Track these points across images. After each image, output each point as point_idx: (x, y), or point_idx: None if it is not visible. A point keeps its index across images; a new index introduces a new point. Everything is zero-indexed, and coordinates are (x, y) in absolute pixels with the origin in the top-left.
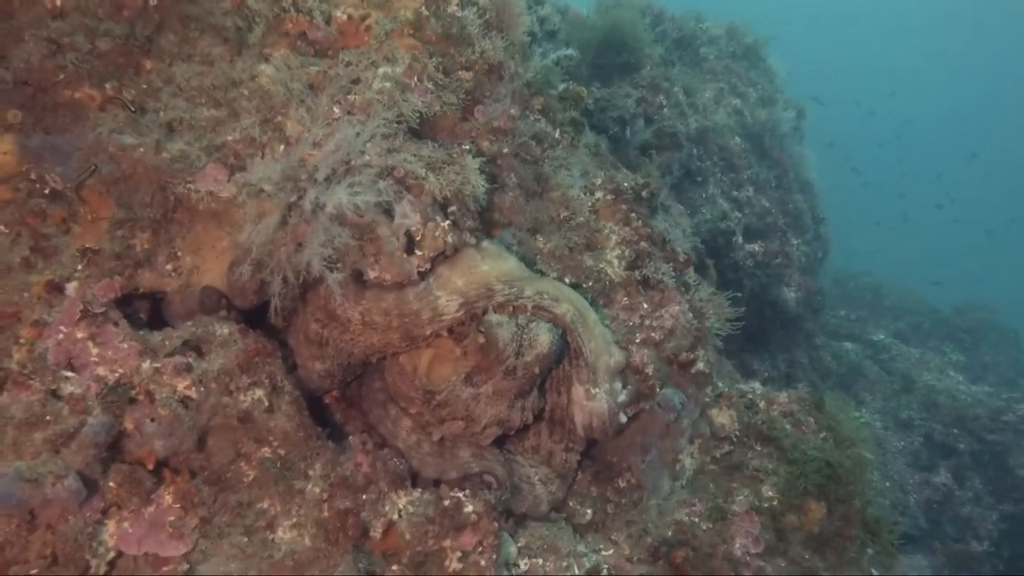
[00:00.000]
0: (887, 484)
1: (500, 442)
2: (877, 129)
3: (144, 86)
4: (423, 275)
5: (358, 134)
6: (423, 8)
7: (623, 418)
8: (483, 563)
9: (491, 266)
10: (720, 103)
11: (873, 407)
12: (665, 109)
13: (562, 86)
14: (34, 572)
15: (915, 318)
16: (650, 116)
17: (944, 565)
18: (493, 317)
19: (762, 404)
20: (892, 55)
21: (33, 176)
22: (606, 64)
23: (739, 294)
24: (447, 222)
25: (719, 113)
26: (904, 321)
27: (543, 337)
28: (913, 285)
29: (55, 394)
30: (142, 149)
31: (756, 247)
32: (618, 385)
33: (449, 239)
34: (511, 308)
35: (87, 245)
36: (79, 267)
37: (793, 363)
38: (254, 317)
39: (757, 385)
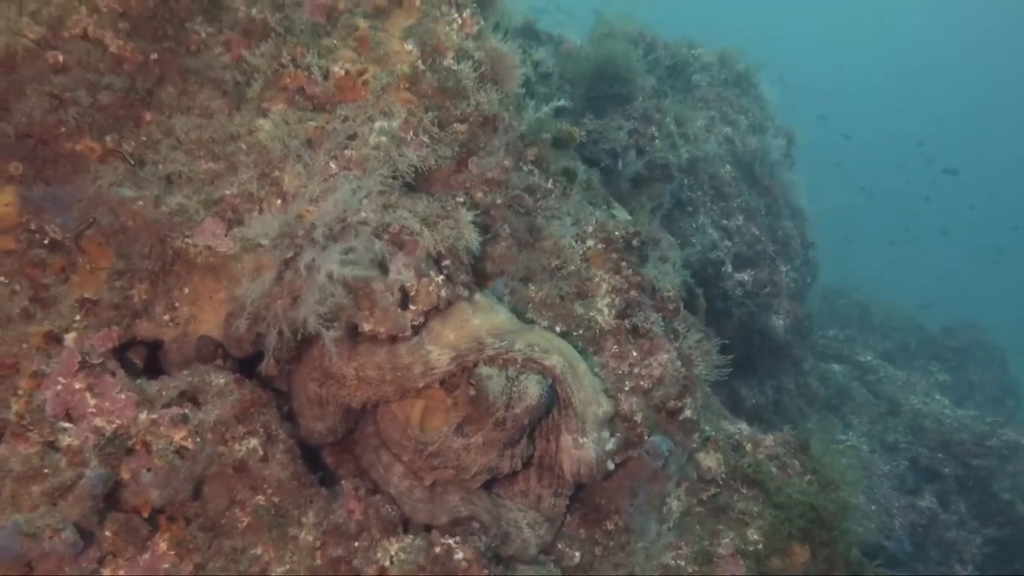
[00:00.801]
0: (873, 507)
1: (489, 485)
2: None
3: (144, 138)
4: (416, 329)
5: (354, 191)
6: (419, 62)
7: (611, 465)
8: None
9: (482, 320)
10: (711, 132)
11: (860, 430)
12: (657, 140)
13: (554, 127)
14: None
15: (903, 337)
16: (642, 147)
17: None
18: (483, 370)
19: (748, 446)
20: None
21: (33, 227)
22: (599, 95)
23: (728, 321)
24: (441, 277)
25: (710, 142)
26: (892, 340)
27: (532, 390)
28: (903, 302)
29: (53, 446)
30: (141, 202)
31: (745, 276)
32: (606, 434)
33: (443, 293)
34: (501, 361)
35: (86, 295)
36: (77, 317)
37: (781, 389)
38: (249, 364)
39: (744, 426)
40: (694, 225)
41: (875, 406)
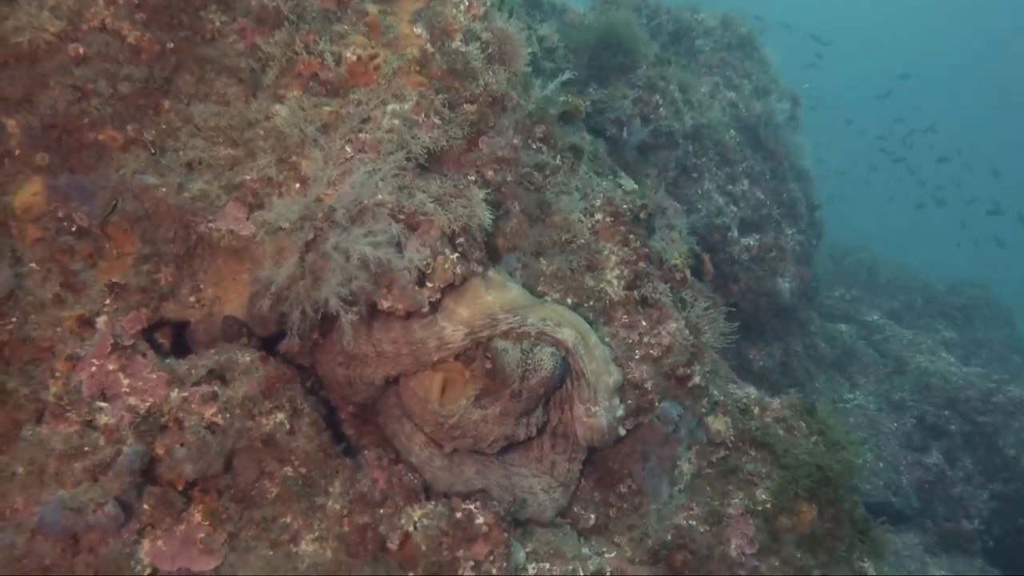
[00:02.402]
0: (880, 465)
1: (505, 452)
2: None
3: (164, 126)
4: (434, 306)
5: (370, 174)
6: (428, 45)
7: (622, 431)
8: (495, 571)
9: (496, 296)
10: (715, 98)
11: (867, 389)
12: (661, 108)
13: (560, 99)
14: None
15: (909, 296)
16: (646, 116)
17: (936, 543)
18: (499, 343)
19: (756, 410)
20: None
21: (61, 215)
22: (603, 65)
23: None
24: (455, 254)
25: (714, 108)
26: (898, 299)
27: (547, 362)
28: (911, 261)
29: (91, 425)
30: (164, 189)
31: (751, 240)
32: (616, 401)
33: (458, 270)
34: (515, 335)
35: (114, 279)
36: (107, 301)
37: (788, 351)
38: (272, 342)
39: (751, 390)
40: (699, 191)
41: (882, 365)
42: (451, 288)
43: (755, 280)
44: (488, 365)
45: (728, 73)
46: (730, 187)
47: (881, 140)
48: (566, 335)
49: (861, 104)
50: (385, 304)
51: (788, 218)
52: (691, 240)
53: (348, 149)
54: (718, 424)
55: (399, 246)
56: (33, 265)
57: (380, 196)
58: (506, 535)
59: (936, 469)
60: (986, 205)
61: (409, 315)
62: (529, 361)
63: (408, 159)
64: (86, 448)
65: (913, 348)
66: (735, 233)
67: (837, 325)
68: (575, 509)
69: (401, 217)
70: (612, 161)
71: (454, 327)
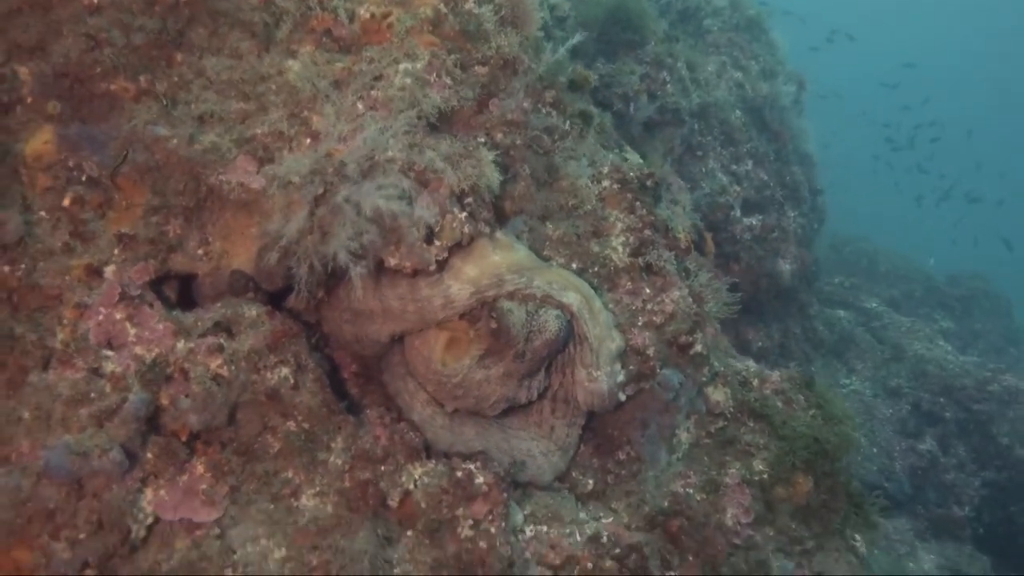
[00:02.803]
0: (875, 450)
1: (505, 415)
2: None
3: (176, 79)
4: (440, 264)
5: (382, 130)
6: (442, 6)
7: (622, 396)
8: (493, 530)
9: (502, 256)
10: (722, 77)
11: (864, 375)
12: (668, 85)
13: (570, 68)
14: (82, 536)
15: (908, 285)
16: (653, 92)
17: (927, 529)
18: (505, 304)
19: (755, 382)
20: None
21: (71, 164)
22: (612, 40)
23: (736, 264)
24: (464, 213)
25: (720, 88)
26: (897, 288)
27: (552, 324)
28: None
29: (97, 372)
30: (175, 141)
31: (754, 221)
32: (618, 367)
33: (466, 229)
34: (520, 296)
35: (123, 230)
36: (116, 251)
37: (787, 333)
38: (279, 298)
39: (751, 363)
40: (704, 170)
41: (879, 351)
42: (458, 247)
43: (756, 260)
44: (493, 325)
45: (735, 54)
46: (734, 167)
47: (886, 128)
48: (571, 299)
49: (868, 94)
50: (392, 261)
51: (791, 201)
52: (695, 216)
53: (360, 106)
54: (717, 395)
55: (409, 201)
56: (43, 213)
57: (391, 152)
58: (505, 495)
59: (929, 455)
60: (987, 200)
61: (416, 273)
62: (534, 323)
63: (419, 118)
64: (92, 395)
65: (911, 335)
66: (738, 212)
67: (836, 311)
68: (574, 474)
69: (411, 174)
70: (618, 136)
71: (460, 286)
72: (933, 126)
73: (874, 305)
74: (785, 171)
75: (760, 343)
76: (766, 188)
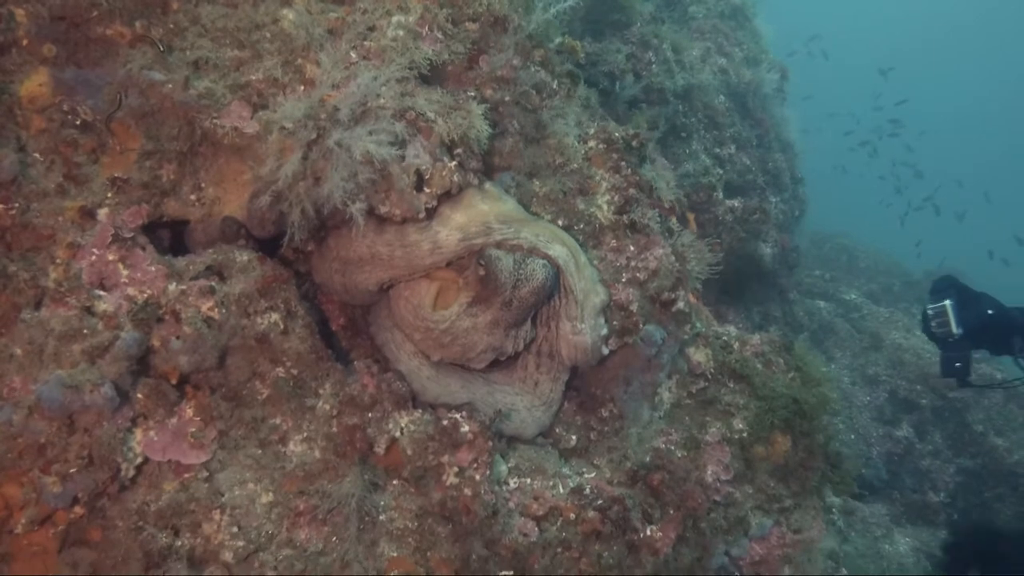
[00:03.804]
0: (852, 437)
1: (491, 370)
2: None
3: (171, 25)
4: (429, 212)
5: (375, 78)
6: None
7: (605, 350)
8: (477, 477)
9: (491, 206)
10: (706, 62)
11: (842, 363)
12: (653, 66)
13: (558, 39)
14: (72, 471)
15: (887, 279)
16: (639, 72)
17: (902, 514)
18: (493, 251)
19: (736, 345)
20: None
21: (66, 108)
22: (598, 20)
23: (717, 244)
24: (453, 163)
25: (705, 72)
26: (877, 282)
27: (539, 272)
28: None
29: (90, 311)
30: (170, 85)
31: (735, 203)
32: (602, 321)
33: (455, 178)
34: (508, 247)
35: (116, 174)
36: (109, 194)
37: (767, 316)
38: (270, 246)
39: (732, 328)
40: (687, 151)
41: (858, 340)
42: (447, 197)
43: (737, 241)
44: (481, 272)
45: (720, 40)
46: (717, 150)
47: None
48: (557, 252)
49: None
50: (383, 209)
51: (772, 187)
52: (678, 192)
53: (353, 55)
54: (699, 355)
55: (401, 146)
56: (37, 155)
57: (383, 100)
58: (490, 443)
59: (906, 442)
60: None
61: (405, 221)
62: (521, 271)
63: (411, 68)
64: (85, 331)
65: (889, 325)
66: (720, 194)
67: (816, 302)
68: (557, 431)
69: (403, 121)
70: (604, 113)
71: (448, 231)
72: (894, 123)
73: (853, 297)
74: (767, 157)
75: (740, 324)
76: (748, 173)
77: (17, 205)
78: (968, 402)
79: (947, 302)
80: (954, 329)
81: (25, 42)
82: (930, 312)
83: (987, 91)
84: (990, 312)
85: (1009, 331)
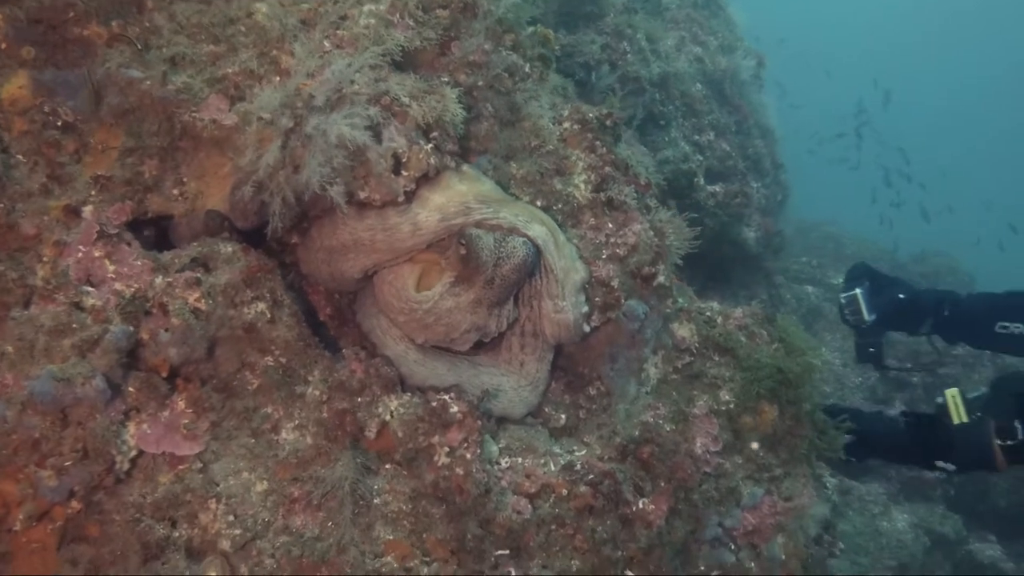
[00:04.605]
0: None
1: (476, 352)
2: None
3: (147, 24)
4: (408, 196)
5: (349, 65)
6: None
7: (587, 328)
8: (468, 456)
9: (469, 187)
10: (681, 50)
11: (832, 345)
12: (629, 55)
13: (530, 29)
14: (68, 464)
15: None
16: (614, 62)
17: (899, 492)
18: (473, 231)
19: (719, 319)
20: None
21: (47, 109)
22: (571, 12)
23: (700, 229)
24: (430, 145)
25: (680, 60)
26: None
27: (520, 249)
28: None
29: (78, 306)
30: (149, 82)
31: (717, 188)
32: (582, 298)
33: (432, 161)
34: (488, 227)
35: (99, 173)
36: (93, 192)
37: (754, 299)
38: (253, 238)
39: (714, 304)
40: (667, 139)
41: None
42: (425, 180)
43: (721, 226)
44: (462, 251)
45: (694, 29)
46: (696, 137)
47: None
48: (537, 231)
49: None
50: (363, 195)
51: (753, 172)
52: (658, 177)
53: (327, 44)
54: (683, 331)
55: (377, 130)
56: (20, 157)
57: (357, 86)
58: (479, 423)
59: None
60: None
61: (385, 204)
62: (502, 249)
63: (383, 55)
64: (74, 325)
65: None
66: (701, 180)
67: (804, 287)
68: (546, 410)
69: (377, 106)
70: (580, 103)
71: (428, 212)
72: (862, 113)
73: (840, 281)
74: (747, 143)
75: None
76: (728, 159)
77: (2, 206)
78: (958, 378)
79: (857, 290)
80: (866, 316)
81: (3, 45)
82: (842, 301)
83: (977, 79)
84: (901, 296)
85: (922, 313)
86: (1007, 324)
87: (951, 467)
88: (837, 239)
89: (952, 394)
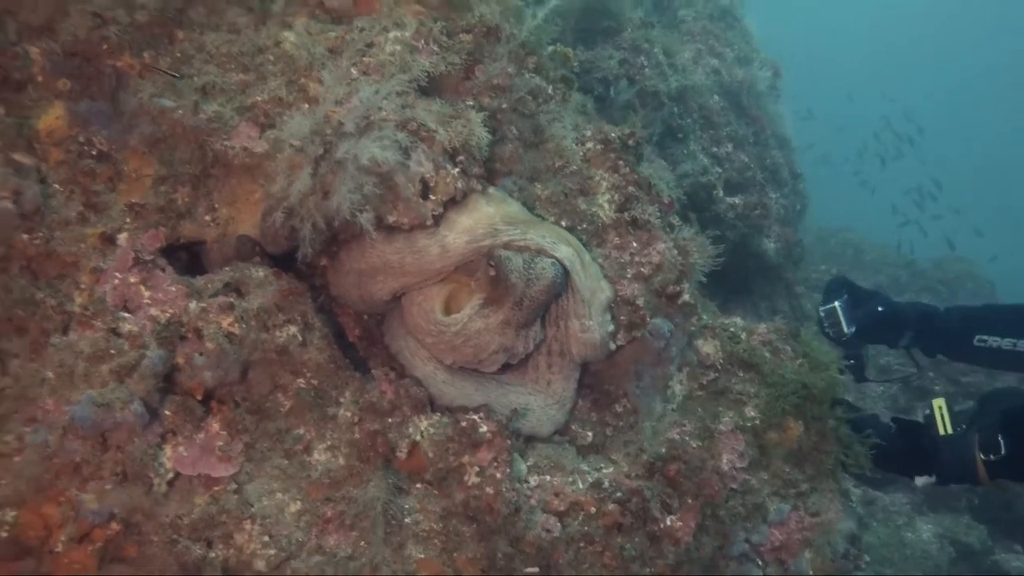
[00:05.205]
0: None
1: (503, 372)
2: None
3: (178, 54)
4: (436, 219)
5: (376, 91)
6: None
7: (613, 345)
8: (498, 475)
9: (496, 209)
10: (698, 63)
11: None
12: (646, 70)
13: (550, 48)
14: (108, 487)
15: (894, 271)
16: (632, 77)
17: (923, 502)
18: (502, 252)
19: (743, 335)
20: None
21: (82, 139)
22: (589, 28)
23: (719, 234)
24: (456, 170)
25: (698, 73)
26: (884, 274)
27: (549, 270)
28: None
29: (116, 332)
30: (181, 111)
31: (736, 200)
32: (608, 317)
33: (459, 184)
34: (516, 248)
35: (133, 200)
36: (127, 220)
37: (775, 311)
38: (283, 261)
39: (738, 319)
40: (685, 152)
41: None
42: (452, 203)
43: (741, 238)
44: (492, 273)
45: (711, 41)
46: (715, 149)
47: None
48: (564, 253)
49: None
50: (391, 219)
51: (772, 183)
52: (678, 192)
53: (354, 71)
54: (708, 347)
55: (406, 153)
56: (57, 186)
57: (384, 112)
58: (508, 442)
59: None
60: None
61: (413, 228)
62: (531, 270)
63: (410, 81)
64: (112, 351)
65: None
66: (720, 192)
67: None
68: (573, 428)
69: (405, 132)
70: (600, 119)
71: (456, 235)
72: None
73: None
74: (765, 154)
75: (748, 319)
76: (747, 170)
77: (41, 235)
78: (981, 386)
79: (836, 303)
80: (845, 329)
81: (40, 78)
82: (821, 314)
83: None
84: (880, 309)
85: (901, 326)
86: (985, 338)
87: (932, 479)
88: (856, 245)
89: (939, 404)
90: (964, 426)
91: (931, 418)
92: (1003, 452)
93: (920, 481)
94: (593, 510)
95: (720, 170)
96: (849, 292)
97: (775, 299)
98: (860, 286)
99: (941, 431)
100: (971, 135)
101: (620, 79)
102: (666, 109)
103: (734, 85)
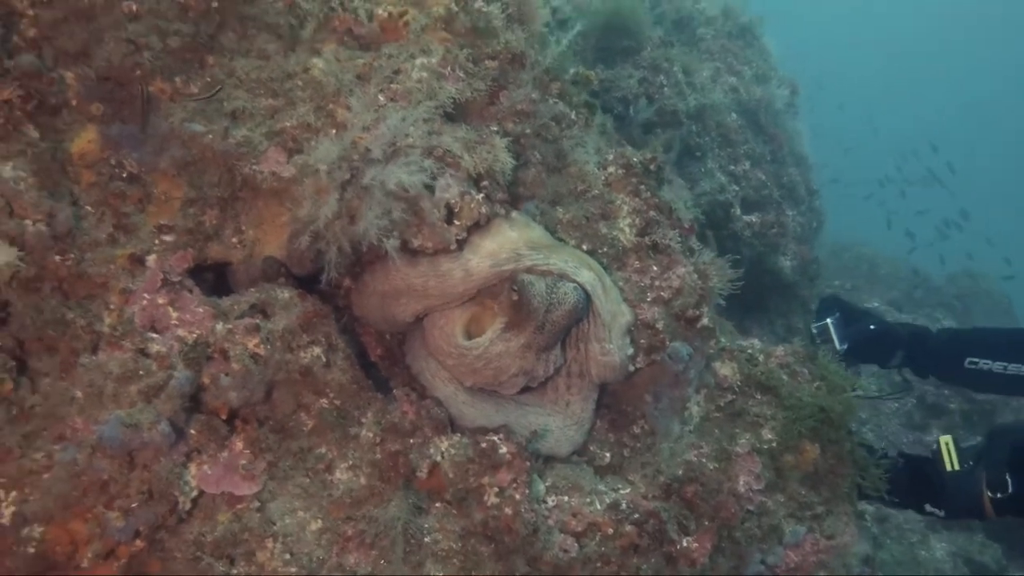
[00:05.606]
0: (883, 444)
1: (522, 394)
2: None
3: (208, 79)
4: (460, 243)
5: (403, 118)
6: (453, 4)
7: (631, 368)
8: (518, 497)
9: (519, 233)
10: (717, 81)
11: (868, 371)
12: (665, 88)
13: (572, 70)
14: (134, 505)
15: (908, 286)
16: (651, 95)
17: (937, 520)
18: (525, 276)
19: (761, 357)
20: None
21: (113, 162)
22: (609, 47)
23: (739, 258)
24: (481, 195)
25: (716, 91)
26: (897, 289)
27: (571, 296)
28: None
29: (144, 353)
30: (210, 136)
31: (753, 218)
32: (628, 340)
33: (483, 210)
34: (538, 272)
35: (162, 222)
36: (156, 241)
37: (791, 328)
38: (308, 283)
39: (755, 341)
40: (703, 170)
41: None
42: (476, 227)
43: (757, 256)
44: (515, 297)
45: (729, 60)
46: (732, 167)
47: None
48: (585, 278)
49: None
50: (416, 243)
51: (788, 200)
52: (696, 211)
53: (381, 98)
54: (725, 369)
55: (432, 178)
56: (88, 208)
57: (411, 139)
58: (528, 463)
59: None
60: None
61: (437, 252)
62: (554, 295)
63: (437, 107)
64: (140, 372)
65: None
66: (738, 210)
67: None
68: (591, 449)
69: (431, 158)
70: (619, 138)
71: (479, 259)
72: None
73: (875, 304)
74: (782, 172)
75: (764, 337)
76: (764, 188)
77: (73, 256)
78: (996, 404)
79: (828, 320)
80: (837, 346)
81: (74, 102)
82: (814, 331)
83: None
84: (872, 327)
85: (893, 345)
86: (976, 360)
87: (940, 513)
88: (871, 260)
89: (946, 441)
90: (971, 462)
91: (938, 454)
92: (1010, 490)
93: (929, 511)
94: (610, 531)
95: (737, 188)
96: (841, 310)
97: (791, 317)
98: (852, 304)
99: (948, 467)
100: (989, 151)
101: (639, 98)
102: (685, 127)
103: (752, 103)
